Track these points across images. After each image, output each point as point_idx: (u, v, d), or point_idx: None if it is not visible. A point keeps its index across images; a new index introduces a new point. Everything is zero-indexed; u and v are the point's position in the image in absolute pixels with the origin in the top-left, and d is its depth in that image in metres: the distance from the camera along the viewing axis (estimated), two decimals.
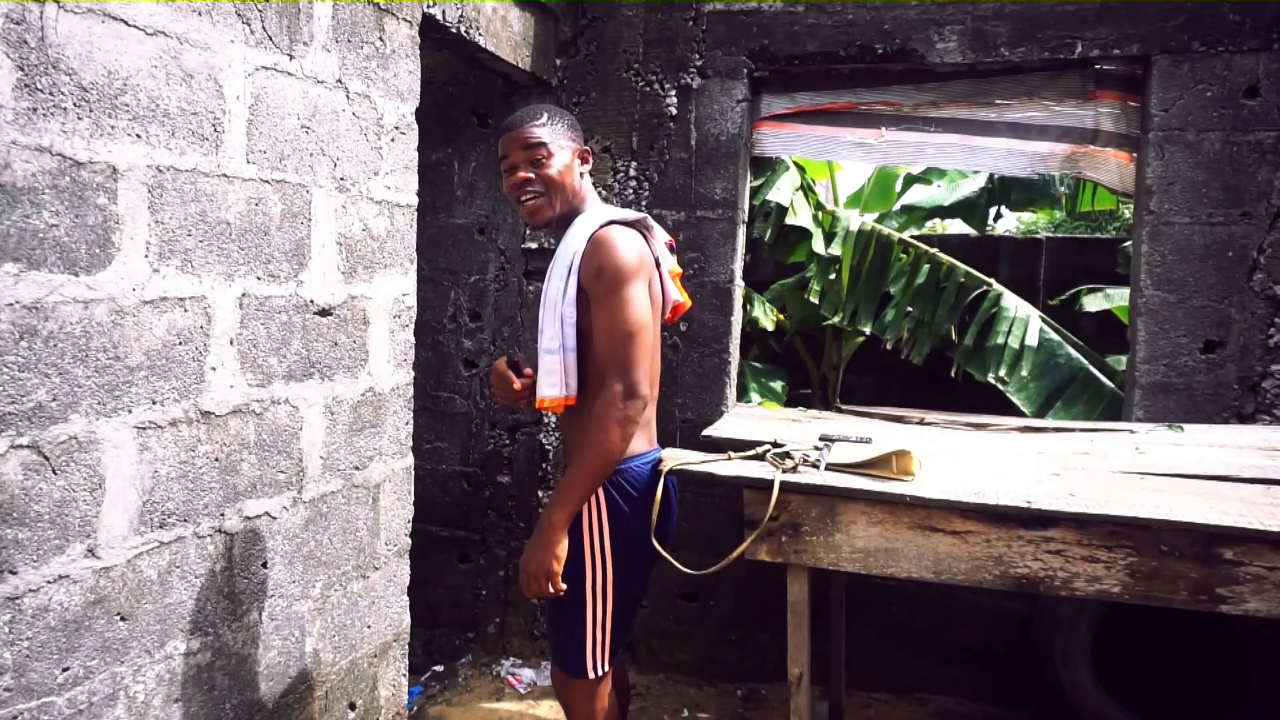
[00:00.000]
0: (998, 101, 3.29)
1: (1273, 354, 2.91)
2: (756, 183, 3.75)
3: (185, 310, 1.85)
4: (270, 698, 2.15)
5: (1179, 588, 1.84)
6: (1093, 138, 3.22)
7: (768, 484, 2.00)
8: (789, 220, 3.76)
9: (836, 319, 3.94)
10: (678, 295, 2.14)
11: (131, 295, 1.72)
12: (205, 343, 1.91)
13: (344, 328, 2.36)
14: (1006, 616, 3.29)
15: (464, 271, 3.71)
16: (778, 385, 4.36)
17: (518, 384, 2.07)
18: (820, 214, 3.93)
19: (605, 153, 3.52)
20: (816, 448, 2.21)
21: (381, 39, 2.43)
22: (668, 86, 3.45)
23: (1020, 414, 3.69)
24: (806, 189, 3.97)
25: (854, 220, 3.95)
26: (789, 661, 2.09)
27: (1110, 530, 1.86)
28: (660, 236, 2.10)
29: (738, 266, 3.48)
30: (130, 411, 1.73)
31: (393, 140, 2.50)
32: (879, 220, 5.21)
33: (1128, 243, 3.88)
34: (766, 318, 4.25)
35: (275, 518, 2.14)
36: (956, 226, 7.44)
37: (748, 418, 3.00)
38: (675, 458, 2.08)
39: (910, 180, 5.52)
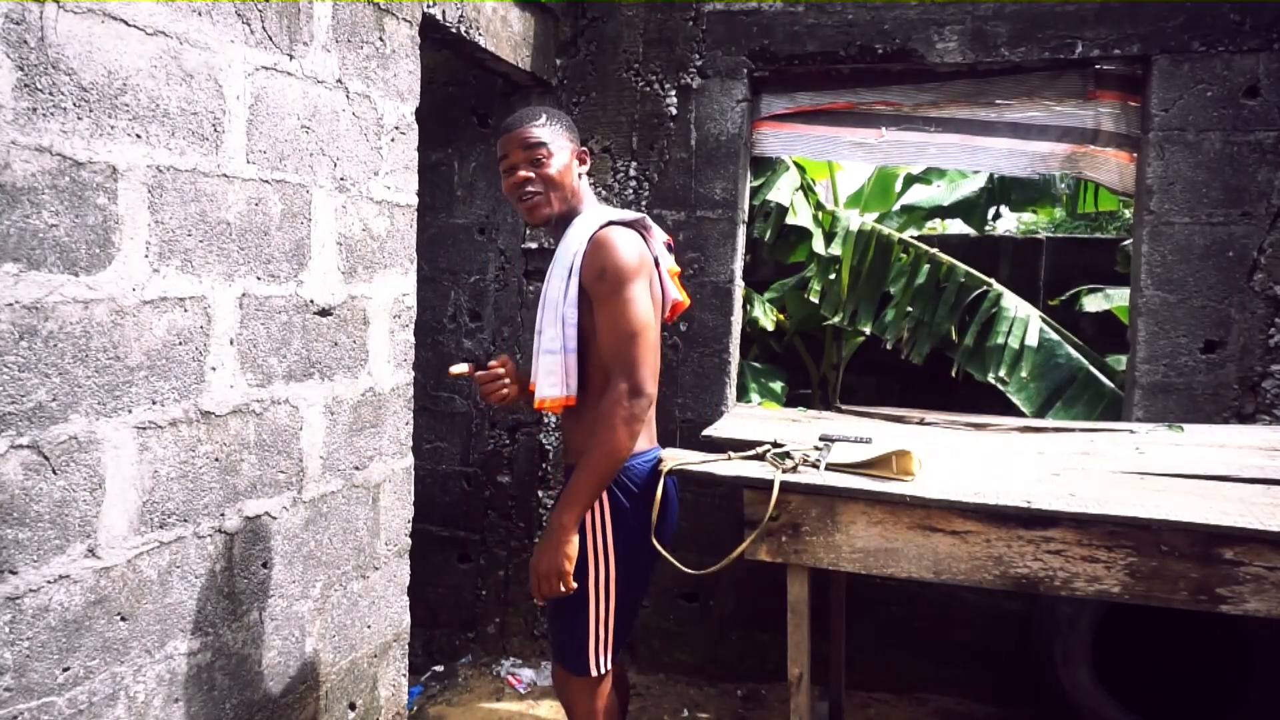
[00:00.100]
0: (998, 101, 3.29)
1: (1273, 354, 2.91)
2: (756, 183, 3.75)
3: (185, 310, 1.85)
4: (270, 698, 2.15)
5: (1179, 588, 1.84)
6: (1093, 138, 3.22)
7: (768, 484, 2.00)
8: (789, 220, 3.76)
9: (836, 319, 3.94)
10: (677, 294, 2.15)
11: (131, 295, 1.72)
12: (205, 343, 1.91)
13: (344, 328, 2.36)
14: (1006, 616, 3.29)
15: (464, 271, 3.71)
16: (777, 385, 4.36)
17: (490, 372, 2.06)
18: (820, 214, 3.93)
19: (605, 153, 3.52)
20: (816, 448, 2.21)
21: (381, 39, 2.43)
22: (668, 86, 3.45)
23: (1020, 414, 3.69)
24: (806, 189, 3.97)
25: (854, 220, 3.95)
26: (789, 661, 2.09)
27: (1110, 530, 1.86)
28: (658, 236, 2.11)
29: (738, 266, 3.48)
30: (130, 411, 1.73)
31: (393, 140, 2.50)
32: (879, 220, 5.20)
33: (1127, 241, 3.88)
34: (766, 318, 4.25)
35: (275, 518, 2.14)
36: (956, 226, 7.44)
37: (748, 418, 3.00)
38: (675, 458, 2.08)
39: (910, 180, 5.52)
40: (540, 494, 3.65)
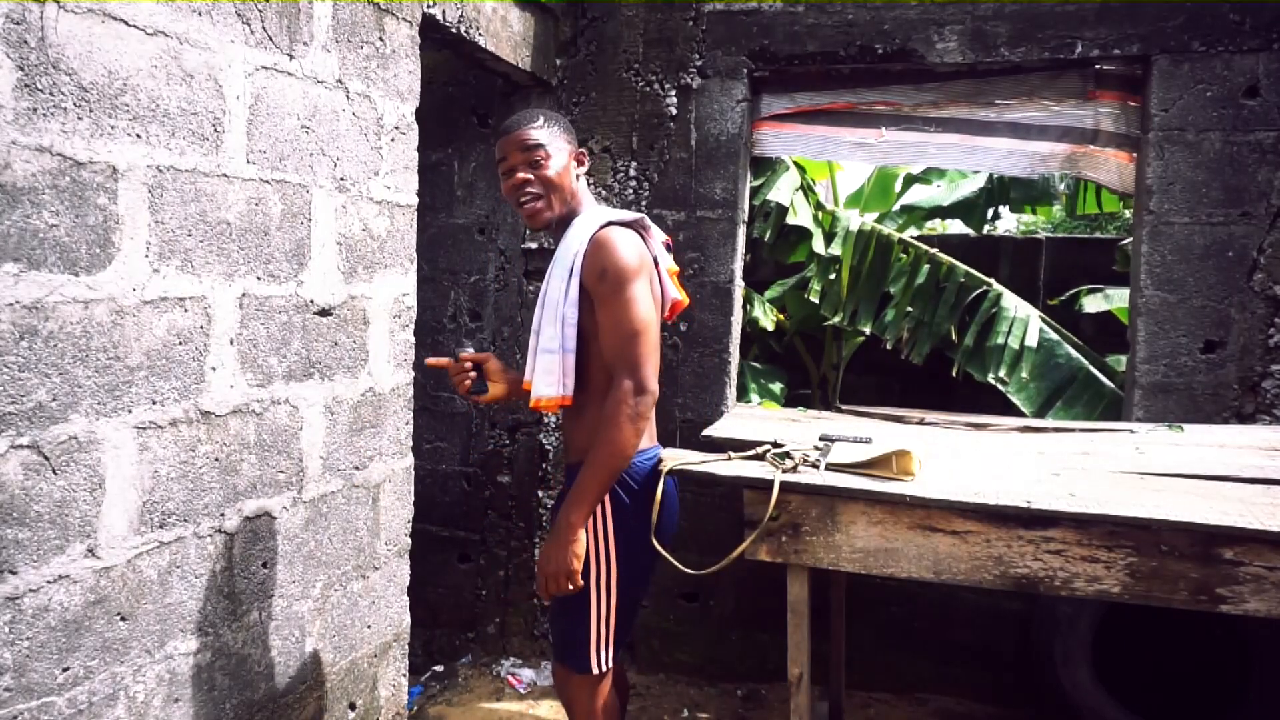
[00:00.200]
0: (998, 101, 3.29)
1: (1273, 354, 2.91)
2: (756, 183, 3.75)
3: (185, 310, 1.85)
4: (270, 698, 2.15)
5: (1179, 588, 1.84)
6: (1093, 138, 3.22)
7: (768, 484, 2.01)
8: (789, 220, 3.76)
9: (836, 319, 3.94)
10: (676, 293, 2.16)
11: (131, 295, 1.72)
12: (205, 343, 1.91)
13: (344, 328, 2.36)
14: (1006, 616, 3.29)
15: (464, 271, 3.71)
16: (777, 385, 4.36)
17: (458, 364, 2.12)
18: (820, 214, 3.93)
19: (605, 153, 3.52)
20: (816, 448, 2.21)
21: (381, 39, 2.43)
22: (668, 86, 3.45)
23: (1020, 414, 3.69)
24: (806, 189, 3.97)
25: (854, 220, 3.95)
26: (789, 661, 2.09)
27: (1110, 530, 1.86)
28: (657, 236, 2.12)
29: (738, 266, 3.48)
30: (130, 411, 1.73)
31: (393, 140, 2.50)
32: (879, 220, 5.20)
33: (1127, 241, 3.88)
34: (766, 318, 4.25)
35: (275, 518, 2.14)
36: (956, 227, 7.44)
37: (748, 418, 3.00)
38: (675, 458, 2.08)
39: (910, 180, 5.52)
40: (540, 494, 3.65)
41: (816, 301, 3.90)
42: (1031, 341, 3.64)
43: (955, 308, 3.78)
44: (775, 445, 2.21)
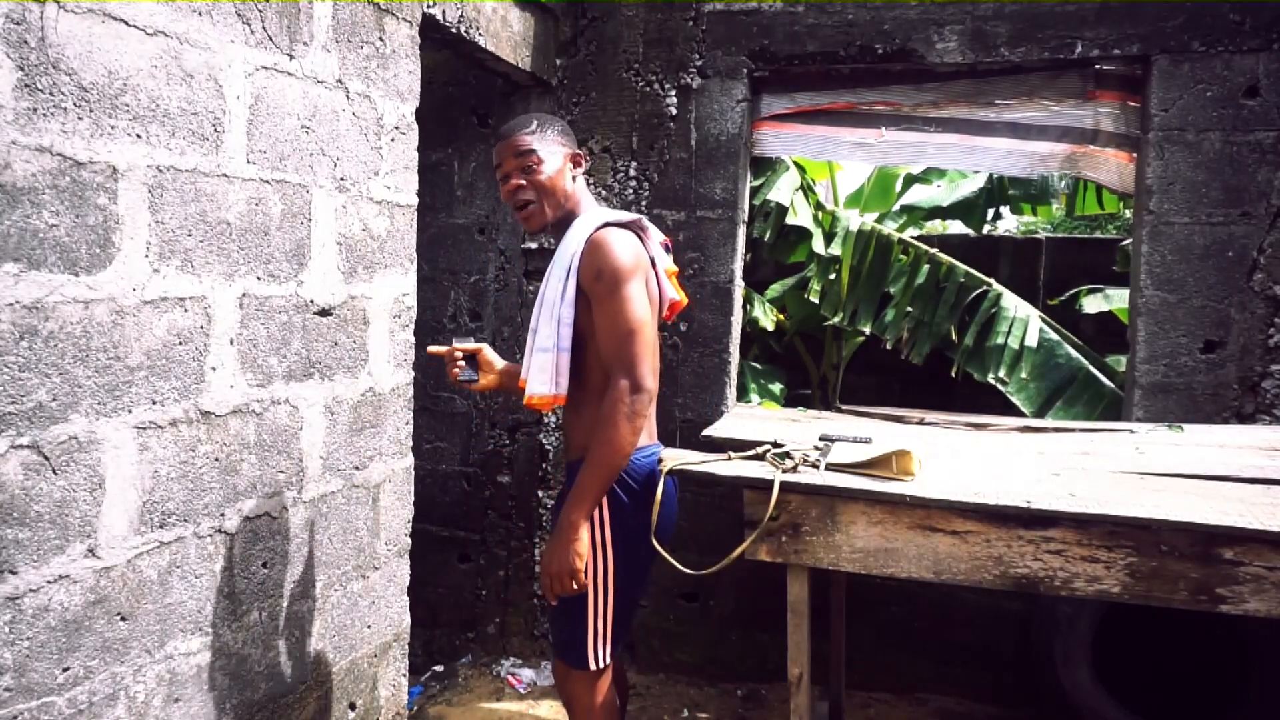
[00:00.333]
0: (997, 101, 3.29)
1: (1273, 354, 2.91)
2: (756, 183, 3.75)
3: (185, 310, 1.85)
4: (270, 698, 2.15)
5: (1179, 588, 1.84)
6: (1093, 138, 3.22)
7: (768, 484, 2.01)
8: (789, 220, 3.76)
9: (836, 319, 3.94)
10: (674, 293, 2.17)
11: (131, 295, 1.72)
12: (205, 343, 1.91)
13: (344, 328, 2.36)
14: (1006, 616, 3.29)
15: (464, 271, 3.71)
16: (777, 385, 4.36)
17: (449, 351, 2.17)
18: (820, 214, 3.93)
19: (605, 153, 3.52)
20: (816, 448, 2.21)
21: (381, 39, 2.43)
22: (668, 86, 3.45)
23: (1020, 414, 3.69)
24: (806, 189, 3.97)
25: (854, 220, 3.95)
26: (789, 661, 2.09)
27: (1110, 530, 1.86)
28: (655, 236, 2.14)
29: (738, 266, 3.48)
30: (130, 411, 1.73)
31: (393, 140, 2.50)
32: (879, 220, 5.20)
33: (1127, 241, 3.88)
34: (766, 318, 4.25)
35: (275, 518, 2.14)
36: (956, 227, 7.43)
37: (748, 418, 3.00)
38: (675, 458, 2.08)
39: (910, 180, 5.52)
40: (540, 494, 3.65)
41: (816, 301, 3.90)
42: (1031, 341, 3.64)
43: (955, 308, 3.78)
44: (775, 445, 2.21)
